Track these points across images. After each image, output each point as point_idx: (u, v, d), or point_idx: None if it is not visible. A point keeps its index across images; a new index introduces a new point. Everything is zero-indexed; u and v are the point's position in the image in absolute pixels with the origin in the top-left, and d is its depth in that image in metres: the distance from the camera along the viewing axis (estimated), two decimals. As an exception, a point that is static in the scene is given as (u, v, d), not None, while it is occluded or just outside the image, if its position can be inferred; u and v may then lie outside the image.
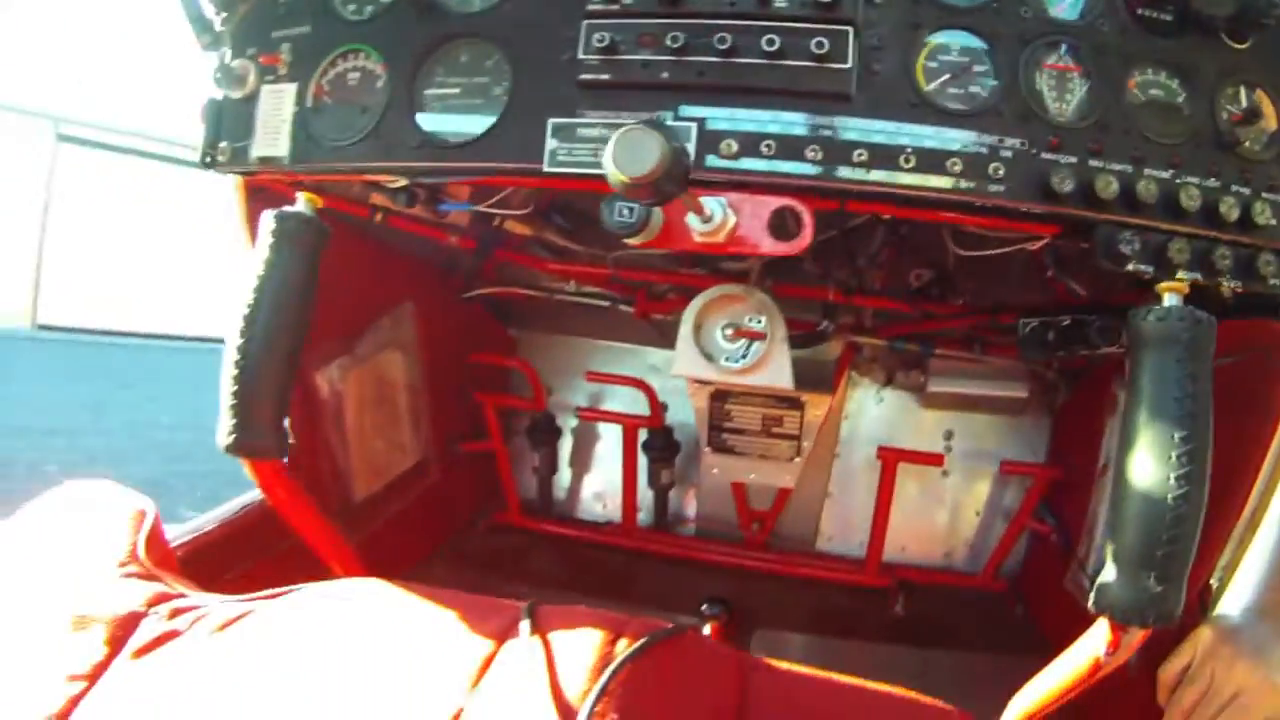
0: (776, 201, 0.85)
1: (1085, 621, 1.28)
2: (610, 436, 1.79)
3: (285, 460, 0.93)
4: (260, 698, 0.58)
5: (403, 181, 1.06)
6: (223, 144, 0.99)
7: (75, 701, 0.59)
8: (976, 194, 0.81)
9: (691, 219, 0.84)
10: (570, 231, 1.34)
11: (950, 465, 1.70)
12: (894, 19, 0.84)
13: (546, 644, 0.61)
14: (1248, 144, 0.82)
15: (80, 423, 5.53)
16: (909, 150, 0.81)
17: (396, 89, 0.93)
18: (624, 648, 0.61)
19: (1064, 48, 0.84)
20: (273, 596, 0.67)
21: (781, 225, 0.85)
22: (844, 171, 0.82)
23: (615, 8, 0.86)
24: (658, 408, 1.65)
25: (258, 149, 0.97)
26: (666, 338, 1.60)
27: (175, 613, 0.65)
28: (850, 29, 0.82)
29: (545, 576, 1.65)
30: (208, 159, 1.00)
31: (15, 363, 6.23)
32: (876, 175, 0.81)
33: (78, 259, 7.05)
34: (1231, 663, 0.90)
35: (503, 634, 0.63)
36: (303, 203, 0.91)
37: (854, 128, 0.82)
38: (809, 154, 0.82)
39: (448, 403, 1.61)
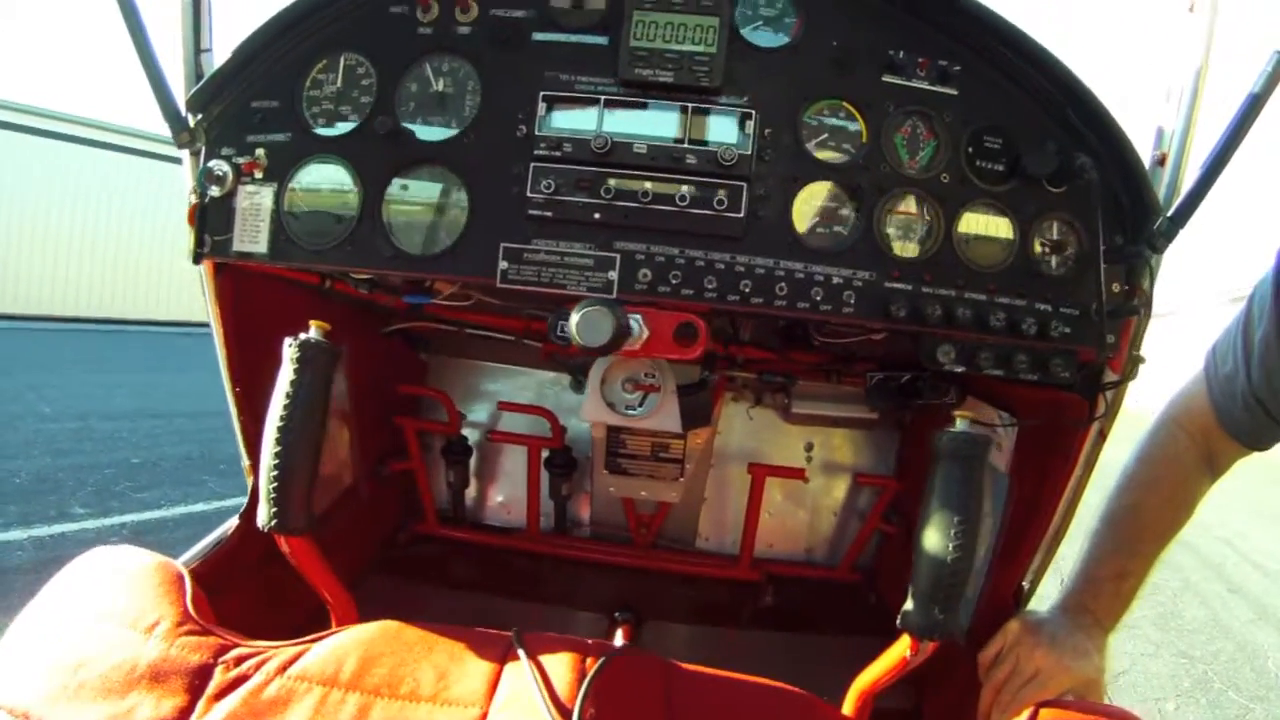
0: (680, 317, 1.02)
1: None
2: (513, 451, 1.91)
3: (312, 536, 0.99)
4: None
5: (368, 274, 1.19)
6: (206, 238, 1.06)
7: None
8: (832, 314, 1.00)
9: None
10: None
11: (811, 474, 1.88)
12: (779, 174, 1.01)
13: (538, 664, 0.74)
14: (1053, 269, 1.02)
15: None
16: (782, 281, 0.99)
17: (366, 202, 1.03)
18: (590, 664, 0.75)
19: (911, 196, 1.02)
20: (318, 639, 0.75)
21: (684, 334, 1.02)
22: (732, 297, 0.99)
23: (558, 154, 1.01)
24: (559, 430, 1.79)
25: (238, 244, 1.05)
26: (565, 366, 1.79)
27: (239, 660, 0.71)
28: (745, 184, 1.00)
29: (464, 581, 1.78)
30: (197, 256, 1.07)
31: None
32: (756, 300, 0.99)
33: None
34: (1032, 649, 1.08)
35: (502, 657, 0.75)
36: (315, 330, 0.96)
37: (741, 264, 1.00)
38: (707, 283, 1.00)
39: (374, 428, 1.71)
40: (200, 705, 0.68)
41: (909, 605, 0.86)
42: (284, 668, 0.72)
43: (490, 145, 1.03)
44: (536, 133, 1.02)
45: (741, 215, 1.00)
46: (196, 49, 1.09)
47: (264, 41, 1.06)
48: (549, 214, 1.01)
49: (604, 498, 1.81)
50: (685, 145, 1.01)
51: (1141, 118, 1.08)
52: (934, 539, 0.84)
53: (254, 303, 1.20)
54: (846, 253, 1.01)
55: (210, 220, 1.07)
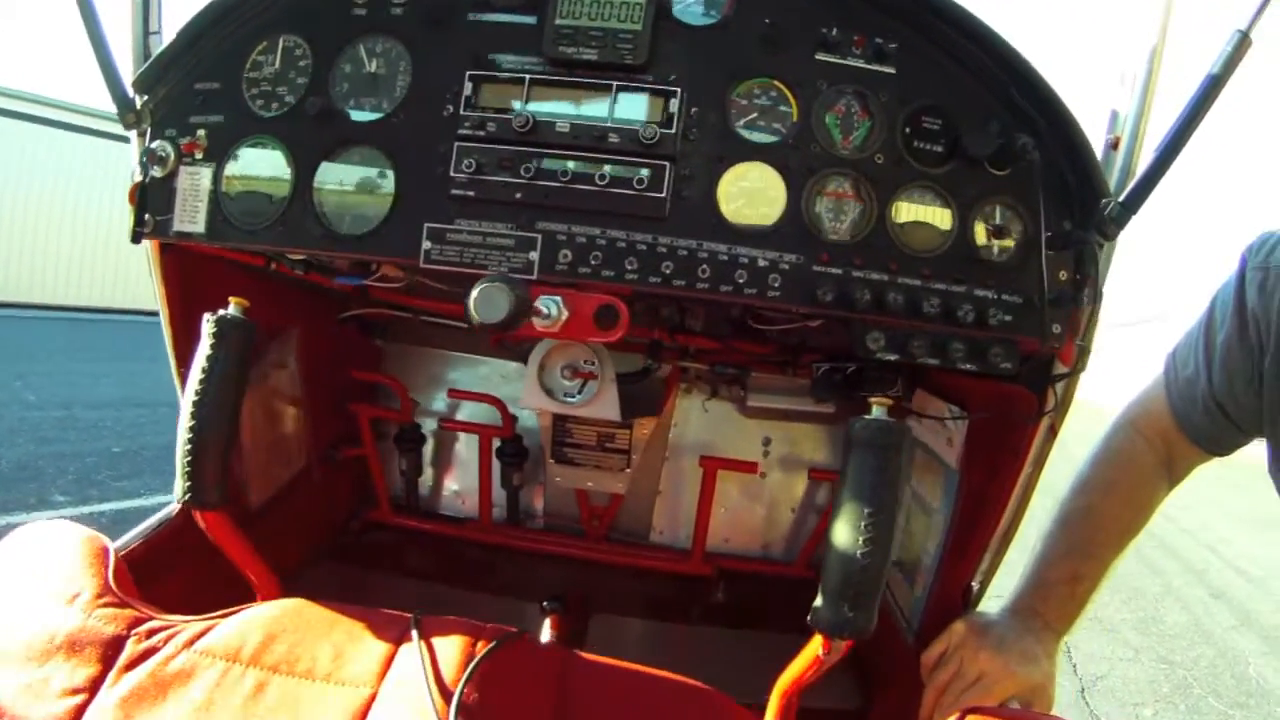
0: (599, 299, 1.00)
1: (886, 610, 1.44)
2: (469, 441, 1.90)
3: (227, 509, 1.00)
4: (222, 699, 0.70)
5: (302, 255, 1.19)
6: (146, 217, 1.07)
7: (80, 709, 0.69)
8: (757, 298, 0.97)
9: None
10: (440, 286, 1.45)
11: (768, 468, 1.85)
12: (705, 153, 0.99)
13: (429, 646, 0.76)
14: (994, 255, 0.98)
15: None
16: (705, 263, 0.97)
17: (299, 183, 1.04)
18: (481, 648, 0.76)
19: (843, 178, 0.99)
20: (227, 615, 0.77)
21: (604, 318, 1.01)
22: (653, 279, 0.98)
23: (482, 134, 1.00)
24: (509, 419, 1.77)
25: (177, 224, 1.06)
26: (516, 354, 1.75)
27: (151, 632, 0.74)
28: (668, 163, 0.98)
29: (414, 569, 1.78)
30: (136, 236, 1.08)
31: None
32: (678, 282, 0.97)
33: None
34: (977, 651, 1.05)
35: (399, 639, 0.77)
36: (234, 307, 0.98)
37: (664, 245, 0.98)
38: (628, 264, 0.98)
39: (327, 414, 1.70)
40: (111, 675, 0.72)
41: (818, 602, 0.83)
42: (191, 642, 0.74)
43: (418, 125, 1.03)
44: (461, 112, 1.01)
45: (664, 195, 0.98)
46: (145, 31, 1.10)
47: (206, 24, 1.07)
48: (471, 193, 1.00)
49: (556, 489, 1.80)
50: (609, 124, 0.99)
51: (1096, 101, 1.05)
52: (844, 533, 0.80)
53: (203, 286, 1.19)
54: (773, 235, 0.98)
55: (152, 200, 1.07)
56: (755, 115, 1.00)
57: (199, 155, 1.06)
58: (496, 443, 1.80)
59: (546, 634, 1.34)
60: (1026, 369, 1.03)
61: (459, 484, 1.97)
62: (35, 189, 12.95)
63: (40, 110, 12.92)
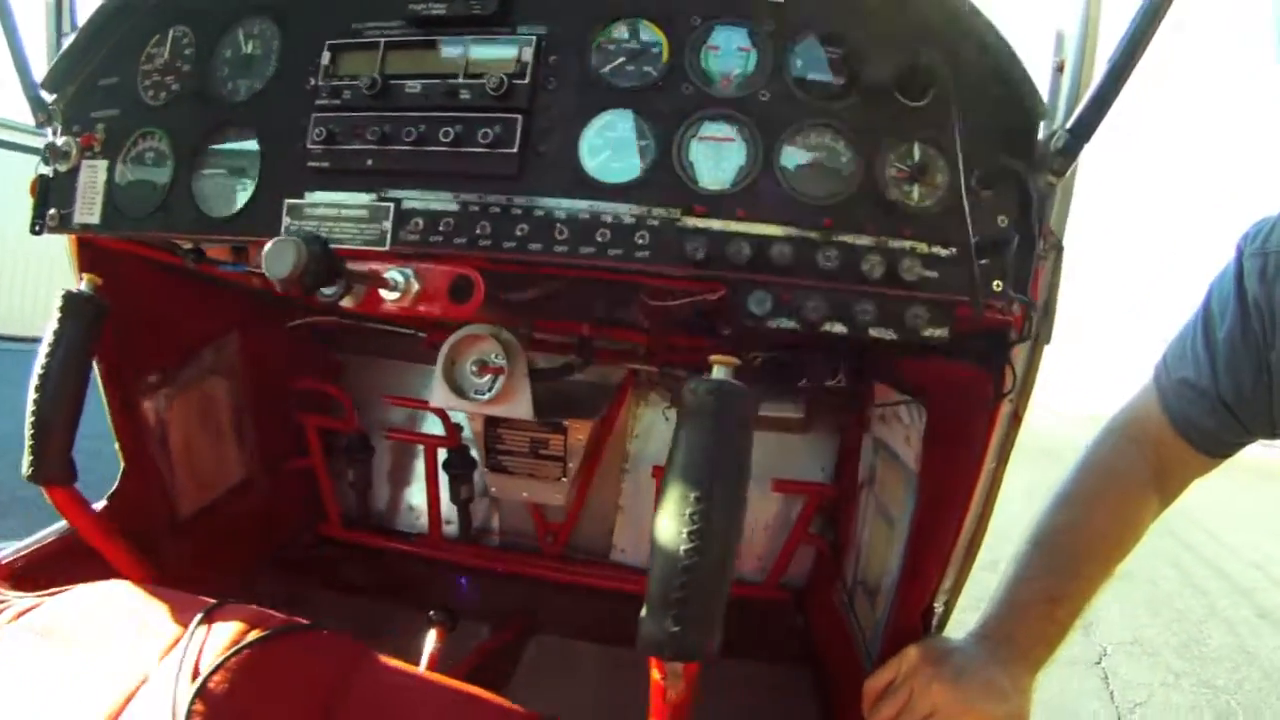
0: (453, 270, 0.94)
1: (850, 636, 1.32)
2: (420, 452, 1.85)
3: (75, 485, 1.01)
4: (23, 671, 0.73)
5: (190, 244, 1.17)
6: (51, 211, 1.10)
7: None
8: (624, 260, 0.87)
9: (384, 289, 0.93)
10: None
11: None
12: (565, 103, 0.91)
13: (208, 632, 0.76)
14: (914, 199, 0.85)
15: None
16: (563, 224, 0.89)
17: (179, 168, 1.04)
18: (254, 636, 0.75)
19: (723, 120, 0.88)
20: (54, 593, 0.80)
21: (459, 290, 0.94)
22: (508, 244, 0.90)
23: (337, 102, 0.97)
24: (452, 429, 1.71)
25: (78, 216, 1.08)
26: None
27: None
28: (520, 116, 0.91)
29: (358, 585, 1.72)
30: (36, 226, 1.10)
31: None
32: (534, 246, 0.89)
33: None
34: (930, 682, 0.92)
35: (188, 622, 0.77)
36: (85, 283, 0.98)
37: (519, 206, 0.90)
38: (479, 230, 0.91)
39: (273, 423, 1.67)
40: None
41: (643, 612, 0.69)
42: (18, 616, 0.78)
43: (284, 101, 1.01)
44: (318, 83, 0.99)
45: (515, 150, 0.91)
46: (58, 32, 1.14)
47: (106, 19, 1.10)
48: (326, 164, 0.97)
49: (510, 503, 1.72)
50: (459, 80, 0.94)
51: (1043, 25, 0.92)
52: (665, 526, 0.67)
53: (133, 292, 1.21)
54: (639, 187, 0.88)
55: (57, 195, 1.10)
56: (623, 60, 0.93)
57: (97, 148, 1.08)
58: (444, 454, 1.74)
59: (430, 646, 1.26)
60: (980, 343, 0.92)
61: (415, 497, 1.90)
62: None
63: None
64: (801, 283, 0.86)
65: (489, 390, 1.18)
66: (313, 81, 1.00)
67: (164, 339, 1.36)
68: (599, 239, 0.89)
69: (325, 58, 1.00)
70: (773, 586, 1.71)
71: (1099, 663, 3.74)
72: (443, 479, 1.76)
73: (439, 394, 1.20)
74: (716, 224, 0.87)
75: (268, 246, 0.81)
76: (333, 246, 0.90)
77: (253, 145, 1.02)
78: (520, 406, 1.18)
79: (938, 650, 0.97)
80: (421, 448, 1.82)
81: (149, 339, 1.10)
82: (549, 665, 1.54)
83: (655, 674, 0.72)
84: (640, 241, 0.88)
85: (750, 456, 0.71)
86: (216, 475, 1.54)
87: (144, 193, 1.06)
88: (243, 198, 1.01)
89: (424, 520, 1.85)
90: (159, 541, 1.33)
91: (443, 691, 0.78)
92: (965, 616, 1.04)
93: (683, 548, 0.66)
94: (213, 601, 0.81)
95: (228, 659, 0.73)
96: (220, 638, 0.76)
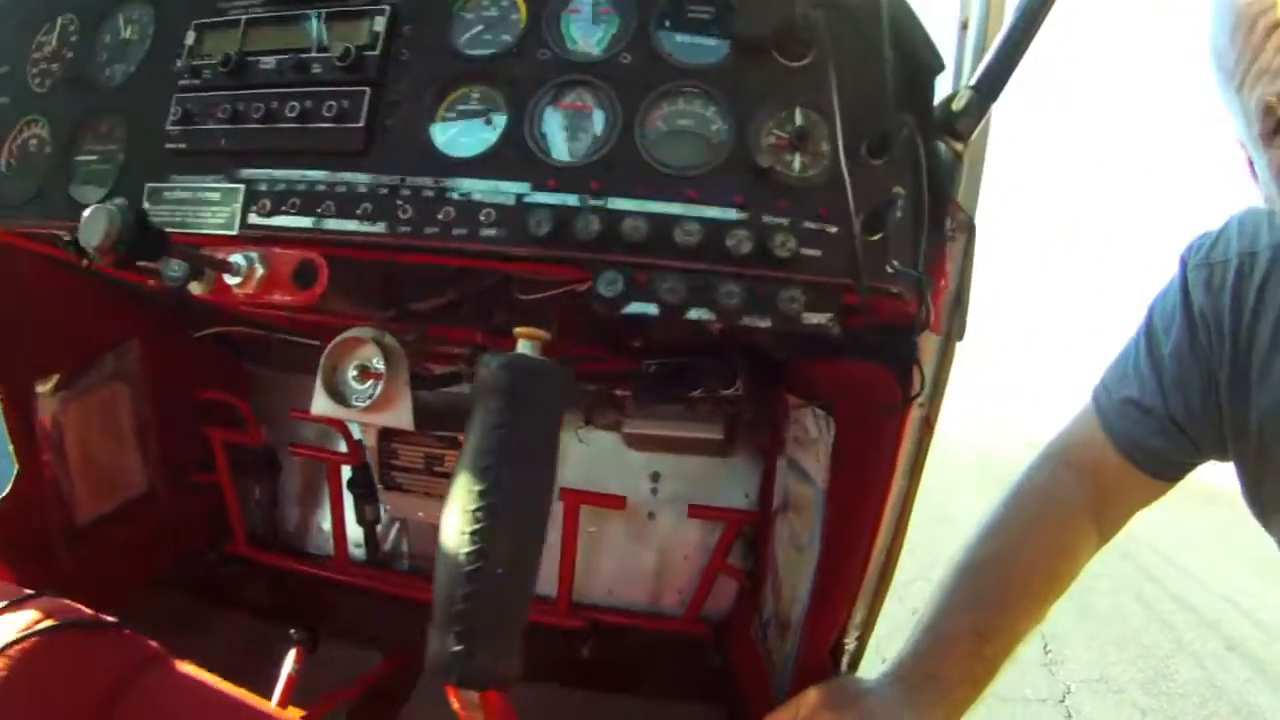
0: (299, 254, 0.88)
1: (765, 673, 1.23)
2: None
3: None
4: None
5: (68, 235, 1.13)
6: None
7: None
8: (468, 240, 0.81)
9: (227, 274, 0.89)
10: None
11: (657, 508, 1.64)
12: (417, 75, 0.86)
13: (3, 619, 0.77)
14: (795, 170, 0.78)
15: None
16: (406, 201, 0.83)
17: (56, 157, 1.01)
18: (44, 626, 0.76)
19: (581, 86, 0.83)
20: None
21: (303, 275, 0.88)
22: (349, 224, 0.84)
23: (197, 82, 0.94)
24: (354, 445, 1.61)
25: None
26: None
27: None
28: (368, 89, 0.86)
29: (259, 605, 1.65)
30: None
31: None
32: (376, 227, 0.83)
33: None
34: None
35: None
36: None
37: (364, 184, 0.85)
38: (321, 208, 0.85)
39: (178, 435, 1.61)
40: None
41: (431, 629, 0.63)
42: None
43: (152, 84, 0.98)
44: (181, 63, 0.97)
45: (362, 125, 0.86)
46: None
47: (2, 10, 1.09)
48: (183, 145, 0.94)
49: (420, 526, 1.63)
50: (312, 54, 0.90)
51: None
52: (447, 525, 0.60)
53: (27, 286, 1.18)
54: (487, 161, 0.83)
55: None
56: (481, 28, 0.88)
57: None
58: (348, 472, 1.63)
59: (289, 665, 1.20)
60: (883, 338, 0.85)
61: (324, 519, 1.78)
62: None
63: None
64: (657, 262, 0.78)
65: (370, 397, 1.10)
66: (178, 63, 0.97)
67: (61, 340, 1.33)
68: (441, 218, 0.82)
69: (190, 37, 0.97)
70: (691, 620, 1.59)
71: (1063, 700, 3.64)
72: (349, 499, 1.66)
73: (319, 401, 1.13)
74: (572, 199, 0.80)
75: (84, 215, 0.76)
76: (189, 231, 0.89)
77: (123, 130, 0.99)
78: (400, 415, 1.10)
79: (845, 691, 0.88)
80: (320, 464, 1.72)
81: (45, 339, 1.06)
82: (439, 697, 1.47)
83: (453, 703, 0.64)
84: (485, 219, 0.81)
85: (557, 444, 0.63)
86: (117, 484, 1.49)
87: (24, 182, 1.03)
88: (110, 184, 0.97)
89: (332, 542, 1.75)
90: (55, 548, 1.30)
91: (237, 707, 0.77)
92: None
93: (464, 551, 0.58)
94: (28, 592, 0.81)
95: (7, 646, 0.74)
96: (10, 626, 0.76)
